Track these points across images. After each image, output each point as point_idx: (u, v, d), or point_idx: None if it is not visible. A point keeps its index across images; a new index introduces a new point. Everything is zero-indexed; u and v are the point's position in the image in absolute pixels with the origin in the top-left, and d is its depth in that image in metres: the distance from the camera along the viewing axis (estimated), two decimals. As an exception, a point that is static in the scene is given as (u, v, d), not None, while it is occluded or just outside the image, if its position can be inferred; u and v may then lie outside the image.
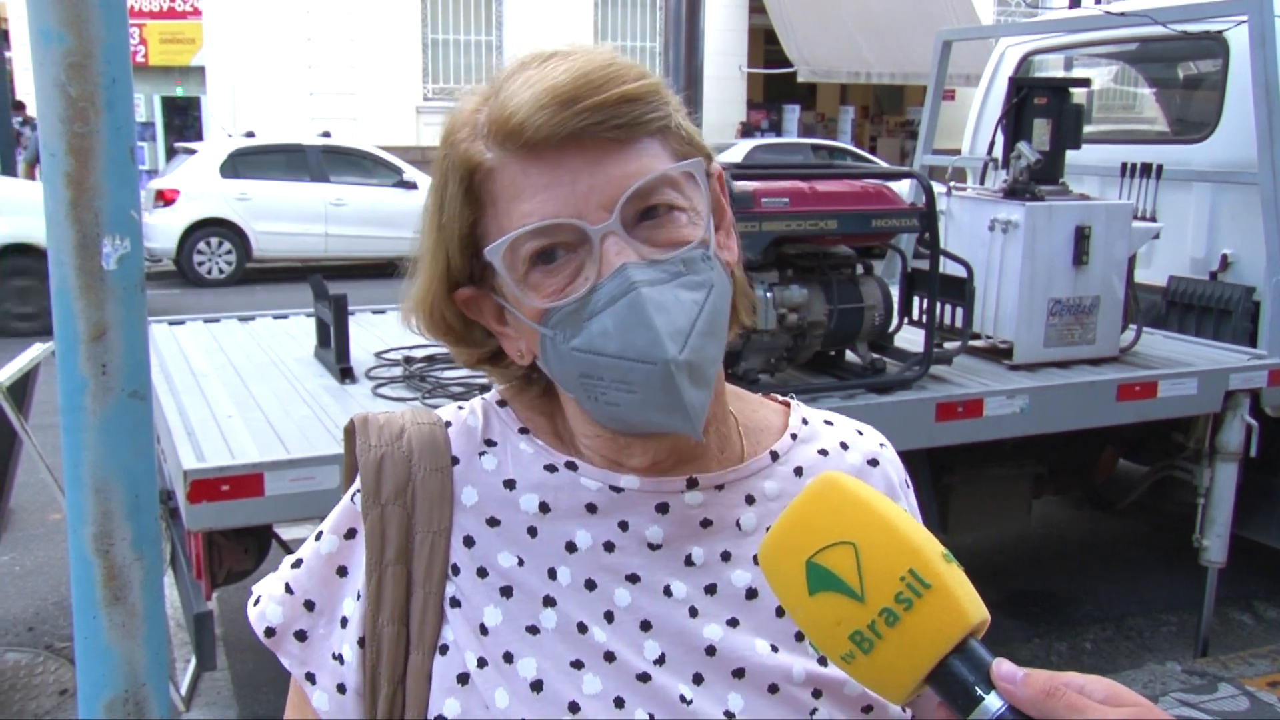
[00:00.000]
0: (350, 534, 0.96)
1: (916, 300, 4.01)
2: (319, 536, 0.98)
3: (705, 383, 0.87)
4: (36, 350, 3.96)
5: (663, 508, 0.94)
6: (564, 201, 0.84)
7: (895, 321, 3.92)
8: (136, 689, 2.08)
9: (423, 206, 0.95)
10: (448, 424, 0.99)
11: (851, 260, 3.81)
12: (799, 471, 1.00)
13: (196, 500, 2.77)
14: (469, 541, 0.94)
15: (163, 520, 3.40)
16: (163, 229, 12.86)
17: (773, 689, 0.91)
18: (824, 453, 1.02)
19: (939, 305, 3.88)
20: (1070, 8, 6.69)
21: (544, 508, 0.94)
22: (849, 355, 3.95)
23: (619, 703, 0.88)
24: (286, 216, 13.19)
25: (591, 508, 0.94)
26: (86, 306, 1.91)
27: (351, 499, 0.97)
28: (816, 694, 0.91)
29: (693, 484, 0.95)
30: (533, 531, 0.94)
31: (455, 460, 0.97)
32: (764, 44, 22.57)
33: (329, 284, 4.12)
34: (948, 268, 3.88)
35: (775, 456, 1.00)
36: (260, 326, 4.79)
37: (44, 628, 4.53)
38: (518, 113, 0.84)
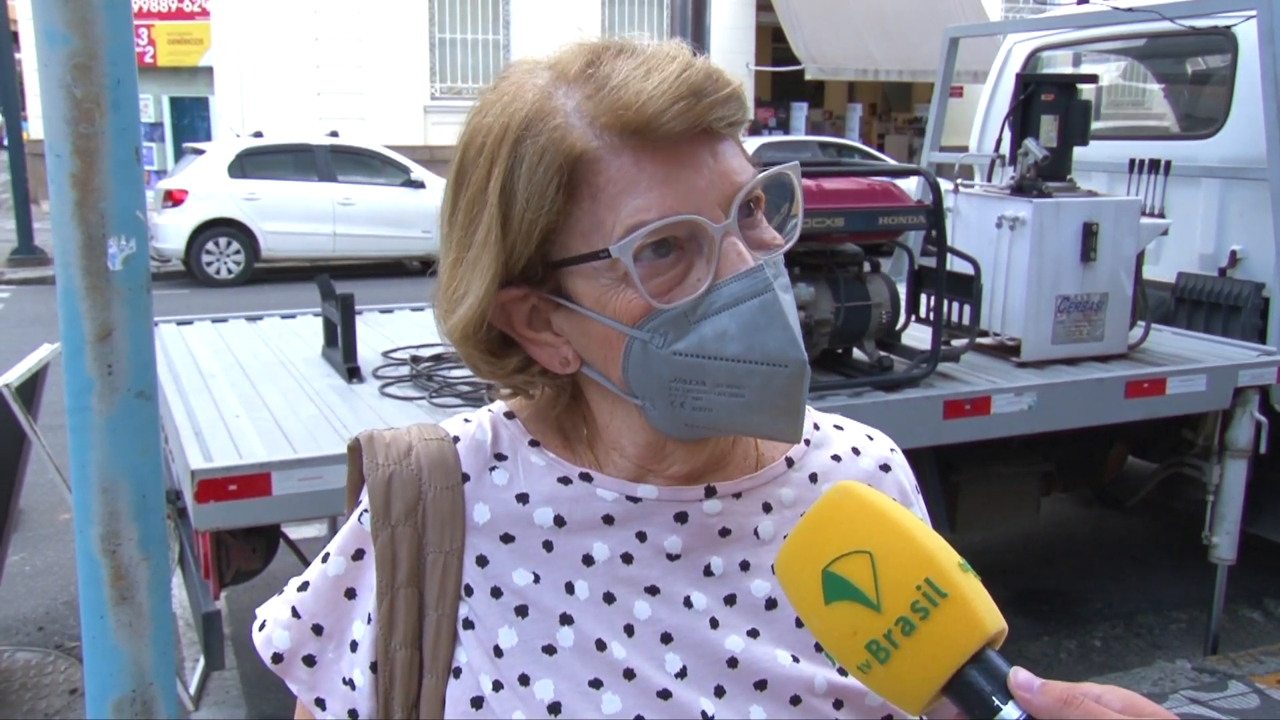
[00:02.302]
0: (358, 555, 0.93)
1: (924, 298, 4.00)
2: (325, 558, 0.96)
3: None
4: (45, 351, 3.98)
5: (681, 517, 0.92)
6: (684, 198, 0.81)
7: (903, 319, 3.91)
8: (144, 688, 2.08)
9: (454, 201, 0.87)
10: (456, 439, 0.96)
11: (859, 258, 3.80)
12: (814, 478, 0.98)
13: (204, 500, 2.78)
14: (482, 561, 0.91)
15: (171, 520, 3.41)
16: (171, 229, 12.88)
17: (794, 700, 0.89)
18: (837, 458, 1.00)
19: (946, 303, 3.87)
20: (1078, 4, 6.67)
21: (559, 521, 0.92)
22: (856, 353, 3.94)
23: None
24: (295, 216, 13.21)
25: (608, 519, 0.91)
26: (92, 307, 1.91)
27: (359, 519, 0.94)
28: (838, 705, 0.90)
29: (711, 492, 0.93)
30: (548, 546, 0.91)
31: (466, 477, 0.93)
32: (771, 42, 22.53)
33: (337, 283, 4.12)
34: (955, 265, 3.87)
35: (790, 463, 0.98)
36: (268, 326, 4.80)
37: (54, 627, 4.54)
38: (650, 103, 0.79)
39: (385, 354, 4.14)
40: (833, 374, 3.84)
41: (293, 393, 3.66)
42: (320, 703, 0.94)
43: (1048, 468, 4.43)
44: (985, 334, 4.19)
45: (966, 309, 4.00)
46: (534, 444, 0.95)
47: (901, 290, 3.94)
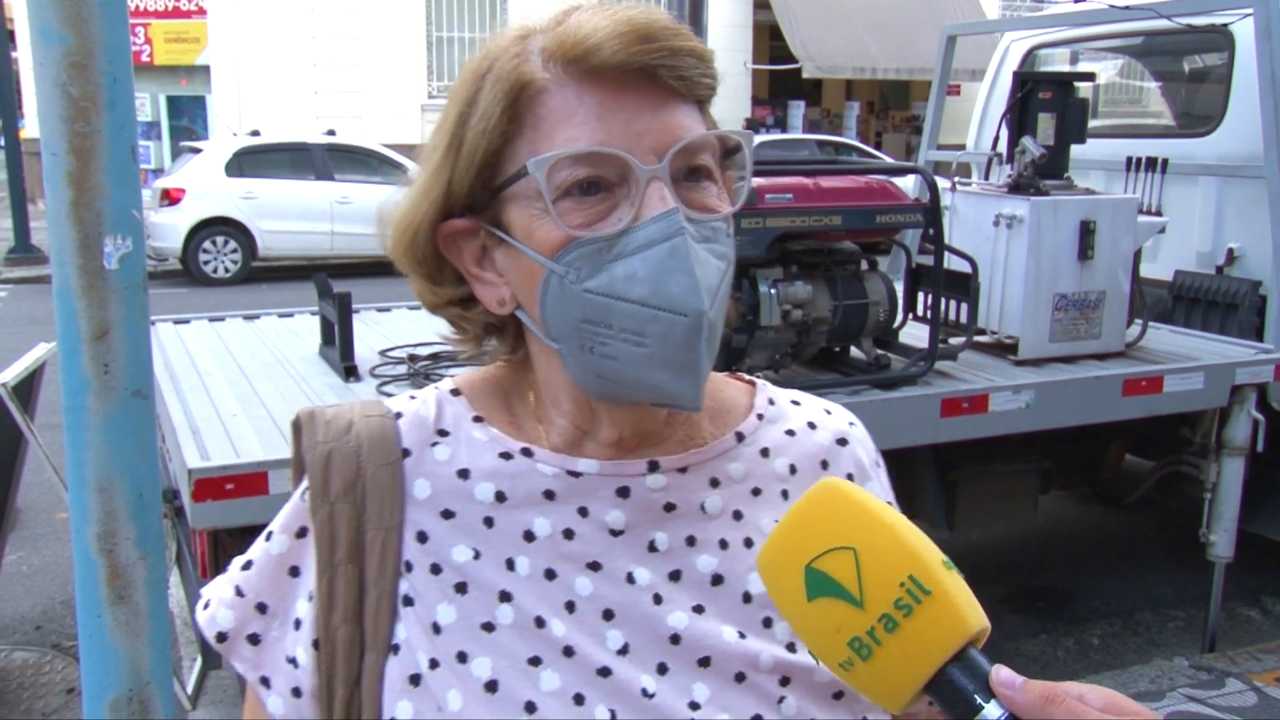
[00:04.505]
0: (301, 533, 0.93)
1: (921, 296, 4.00)
2: (269, 536, 0.95)
3: (714, 353, 0.86)
4: (42, 350, 3.97)
5: (623, 492, 0.91)
6: (616, 134, 0.83)
7: (900, 317, 3.91)
8: (141, 688, 2.08)
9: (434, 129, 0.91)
10: (398, 415, 0.96)
11: (856, 256, 3.80)
12: (765, 452, 0.98)
13: (201, 499, 2.77)
14: (422, 537, 0.91)
15: (168, 519, 3.41)
16: (169, 228, 12.89)
17: (739, 677, 0.88)
18: (791, 433, 1.00)
19: (944, 301, 3.87)
20: (1075, 1, 6.68)
21: (500, 496, 0.91)
22: (854, 351, 3.94)
23: (579, 699, 0.86)
24: (292, 215, 13.21)
25: (550, 494, 0.91)
26: (88, 306, 1.91)
27: (300, 497, 0.94)
28: (784, 681, 0.89)
29: (654, 467, 0.92)
30: (489, 522, 0.91)
31: (406, 452, 0.93)
32: (769, 40, 22.54)
33: (334, 282, 4.12)
34: (952, 263, 3.86)
35: (741, 437, 0.97)
36: (265, 325, 4.80)
37: (51, 626, 4.54)
38: (593, 35, 0.82)
39: (382, 353, 4.14)
40: (830, 372, 3.85)
41: (290, 391, 3.65)
42: (265, 681, 0.93)
43: (1046, 465, 4.43)
44: (983, 332, 4.19)
45: (964, 307, 4.00)
46: (478, 420, 0.95)
47: (899, 288, 3.94)
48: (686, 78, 0.85)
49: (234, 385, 3.72)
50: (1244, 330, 4.62)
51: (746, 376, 1.05)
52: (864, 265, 3.82)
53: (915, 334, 4.01)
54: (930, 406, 3.62)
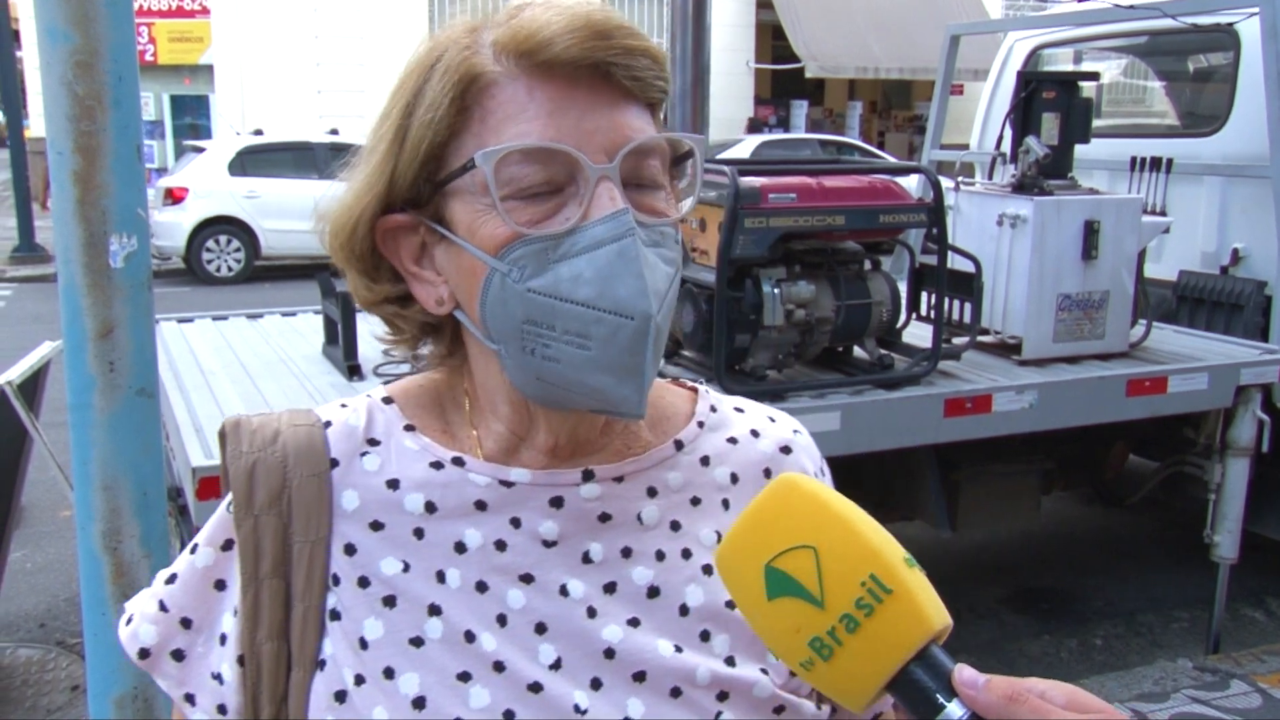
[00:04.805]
0: (227, 545, 0.91)
1: (924, 296, 3.99)
2: (194, 549, 0.93)
3: (659, 360, 0.84)
4: (46, 348, 3.98)
5: (557, 502, 0.89)
6: (567, 131, 0.81)
7: (903, 317, 3.91)
8: (145, 685, 2.09)
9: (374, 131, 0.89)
10: (327, 424, 0.93)
11: (859, 256, 3.80)
12: (705, 461, 0.95)
13: (205, 498, 2.77)
14: (350, 549, 0.89)
15: (172, 517, 3.41)
16: (172, 227, 12.92)
17: (675, 692, 0.86)
18: (733, 441, 0.98)
19: (947, 301, 3.87)
20: (1079, 1, 6.68)
21: (430, 507, 0.89)
22: (857, 351, 3.94)
23: (508, 716, 0.84)
24: (295, 214, 13.19)
25: (481, 505, 0.89)
26: (94, 304, 1.91)
27: (227, 508, 0.91)
28: (722, 697, 0.87)
29: (589, 476, 0.90)
30: (419, 533, 0.89)
31: (335, 463, 0.91)
32: (771, 39, 22.52)
33: (338, 281, 4.12)
34: (956, 263, 3.86)
35: (680, 445, 0.95)
36: (268, 324, 4.80)
37: (55, 624, 4.55)
38: (546, 29, 0.80)
39: (386, 351, 4.14)
40: (833, 372, 3.84)
41: (293, 390, 3.65)
42: (190, 698, 0.91)
43: (1049, 466, 4.43)
44: (986, 332, 4.19)
45: (967, 307, 4.00)
46: (409, 428, 0.93)
47: (902, 288, 3.94)
48: (640, 78, 0.83)
49: (238, 384, 3.72)
50: (1249, 331, 4.61)
51: (689, 383, 1.03)
52: (867, 265, 3.82)
53: (918, 334, 4.01)
54: (933, 406, 3.62)
